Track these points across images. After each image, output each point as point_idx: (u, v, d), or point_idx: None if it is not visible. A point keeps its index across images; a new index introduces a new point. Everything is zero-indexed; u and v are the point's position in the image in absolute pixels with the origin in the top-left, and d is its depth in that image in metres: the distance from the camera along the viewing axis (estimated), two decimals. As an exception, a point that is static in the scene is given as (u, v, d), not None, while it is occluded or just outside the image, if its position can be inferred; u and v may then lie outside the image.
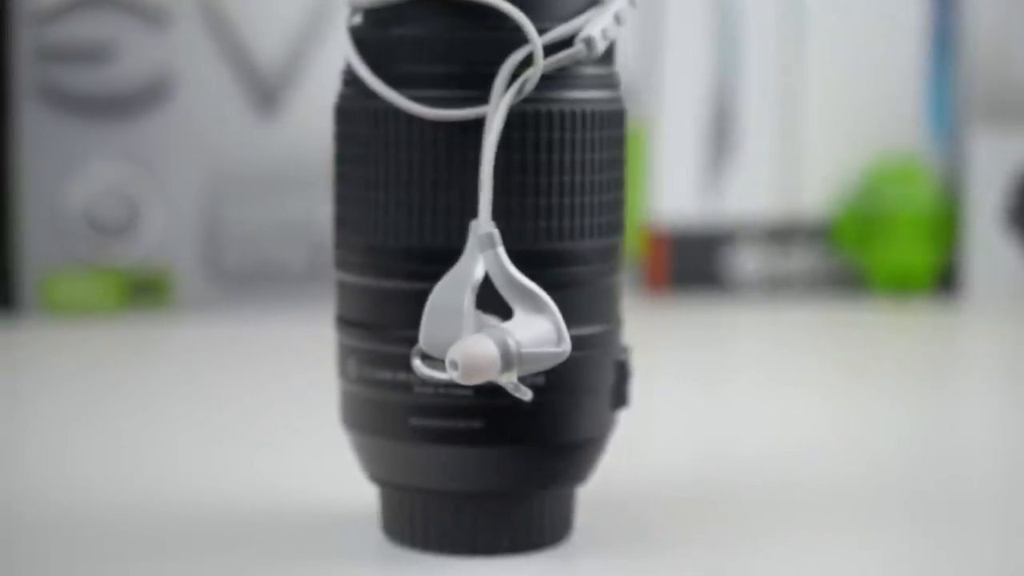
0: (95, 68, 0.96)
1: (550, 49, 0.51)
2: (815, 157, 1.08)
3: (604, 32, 0.52)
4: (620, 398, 0.55)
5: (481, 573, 0.53)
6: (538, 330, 0.49)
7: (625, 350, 0.56)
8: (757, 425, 0.76)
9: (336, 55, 0.99)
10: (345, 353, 0.54)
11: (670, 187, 1.06)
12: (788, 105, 1.07)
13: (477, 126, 0.51)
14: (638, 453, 0.68)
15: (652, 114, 1.05)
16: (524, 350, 0.48)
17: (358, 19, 0.54)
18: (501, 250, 0.49)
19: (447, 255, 0.51)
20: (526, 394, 0.49)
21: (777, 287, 1.08)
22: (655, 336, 0.99)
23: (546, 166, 0.52)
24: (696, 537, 0.58)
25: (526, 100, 0.51)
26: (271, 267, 1.00)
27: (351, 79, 0.53)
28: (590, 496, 0.57)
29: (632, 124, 1.03)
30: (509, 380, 0.49)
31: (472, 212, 0.51)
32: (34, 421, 0.76)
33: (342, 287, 0.54)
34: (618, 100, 0.54)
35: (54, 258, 0.96)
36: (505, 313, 0.50)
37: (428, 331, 0.50)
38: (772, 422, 0.77)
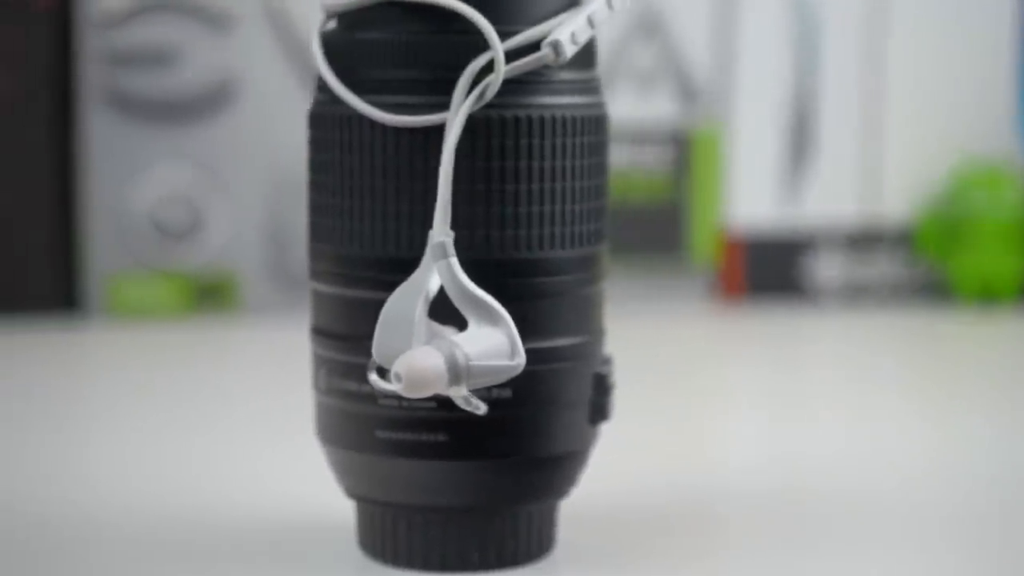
0: (160, 72, 0.96)
1: (517, 53, 0.50)
2: (898, 161, 1.05)
3: (573, 36, 0.50)
4: (599, 412, 0.53)
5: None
6: (490, 343, 0.48)
7: (607, 362, 0.54)
8: (833, 437, 0.74)
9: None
10: (317, 364, 0.53)
11: (746, 192, 1.04)
12: (870, 107, 1.04)
13: (441, 133, 0.50)
14: (710, 463, 0.67)
15: (727, 118, 1.03)
16: (473, 363, 0.47)
17: (331, 24, 0.53)
18: (454, 260, 0.48)
19: (412, 265, 0.50)
20: (479, 408, 0.48)
21: (857, 295, 1.05)
22: (728, 344, 0.97)
23: (515, 173, 0.50)
24: (754, 546, 0.57)
25: (495, 106, 0.50)
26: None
27: (323, 84, 0.53)
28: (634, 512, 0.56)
29: (707, 128, 1.02)
30: (458, 394, 0.47)
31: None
32: (99, 423, 0.76)
33: (315, 296, 0.54)
34: (597, 105, 0.53)
35: (120, 262, 0.96)
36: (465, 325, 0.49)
37: (380, 342, 0.49)
38: (848, 434, 0.74)
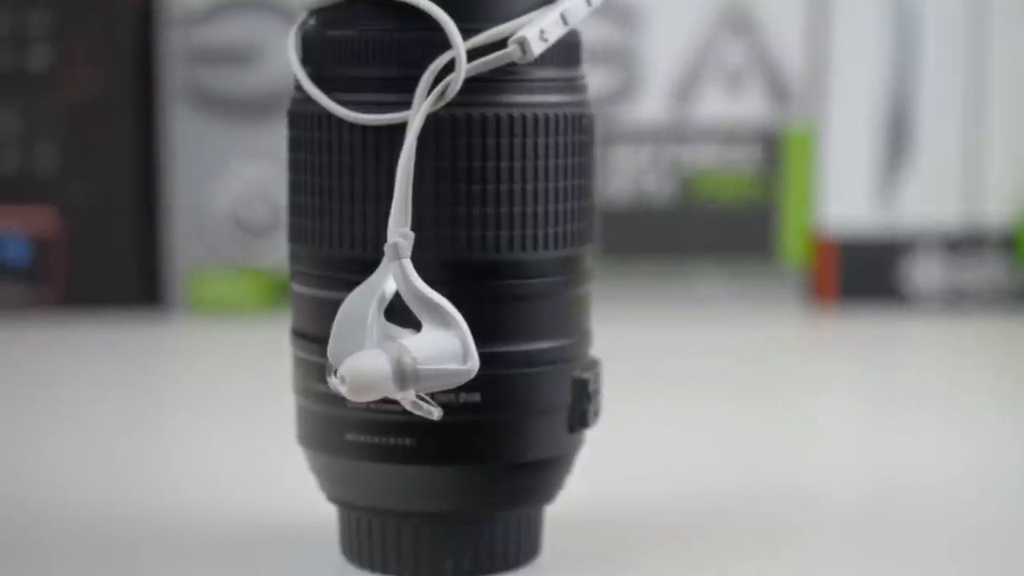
0: (241, 70, 0.97)
1: (486, 51, 0.49)
2: (1000, 161, 1.01)
3: (543, 33, 0.49)
4: (580, 418, 0.52)
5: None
6: (441, 346, 0.47)
7: (591, 367, 0.52)
8: (925, 447, 0.72)
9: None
10: (294, 366, 0.53)
11: (841, 194, 1.01)
12: (971, 106, 1.01)
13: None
14: (797, 470, 0.66)
15: (820, 116, 1.00)
16: (421, 367, 0.46)
17: (311, 21, 0.52)
18: (407, 262, 0.47)
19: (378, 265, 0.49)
20: (431, 413, 0.47)
21: (957, 300, 1.02)
22: (821, 350, 0.95)
23: (483, 173, 0.49)
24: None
25: (468, 104, 0.49)
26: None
27: (298, 82, 0.52)
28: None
29: (799, 127, 0.99)
30: (407, 398, 0.46)
31: (412, 221, 0.49)
32: (178, 418, 0.77)
33: (293, 298, 0.53)
34: (579, 104, 0.51)
35: (200, 258, 0.97)
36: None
37: (334, 344, 0.48)
38: (941, 445, 0.72)
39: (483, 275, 0.49)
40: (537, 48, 0.49)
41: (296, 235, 0.52)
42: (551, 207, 0.50)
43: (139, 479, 0.65)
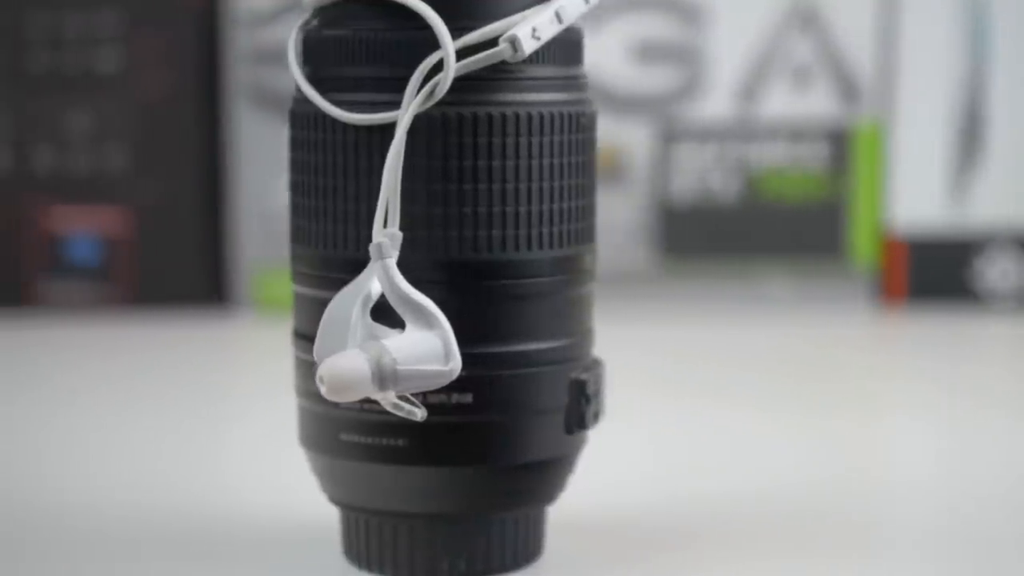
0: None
1: (478, 49, 0.49)
2: (1075, 159, 0.99)
3: (535, 31, 0.49)
4: (578, 420, 0.52)
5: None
6: (423, 347, 0.47)
7: (591, 368, 0.52)
8: (1000, 449, 0.71)
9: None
10: (295, 366, 0.53)
11: (911, 192, 1.00)
12: (1045, 103, 0.99)
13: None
14: (864, 472, 0.66)
15: (890, 113, 0.99)
16: (401, 367, 0.46)
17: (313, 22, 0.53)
18: (390, 262, 0.47)
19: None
20: (414, 414, 0.47)
21: (1031, 300, 1.00)
22: (890, 350, 0.94)
23: (474, 172, 0.49)
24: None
25: (464, 103, 0.49)
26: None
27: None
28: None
29: (868, 124, 0.98)
30: (387, 399, 0.47)
31: (404, 220, 0.49)
32: (242, 415, 0.78)
33: (294, 298, 0.53)
34: (578, 103, 0.51)
35: (266, 256, 0.98)
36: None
37: (319, 344, 0.48)
38: (1018, 446, 0.71)
39: (475, 275, 0.49)
40: (529, 46, 0.49)
41: (296, 235, 0.52)
42: (545, 206, 0.50)
43: (198, 476, 0.66)
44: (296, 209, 0.52)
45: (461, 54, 0.48)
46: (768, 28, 0.98)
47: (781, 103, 0.99)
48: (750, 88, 0.99)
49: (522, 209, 0.50)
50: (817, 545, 0.57)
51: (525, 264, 0.50)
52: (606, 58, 0.98)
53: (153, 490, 0.63)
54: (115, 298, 0.98)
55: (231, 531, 0.58)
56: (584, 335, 0.52)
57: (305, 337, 0.52)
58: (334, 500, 0.53)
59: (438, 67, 0.48)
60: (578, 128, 0.51)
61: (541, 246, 0.50)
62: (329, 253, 0.50)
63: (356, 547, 0.53)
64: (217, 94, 0.97)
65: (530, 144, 0.50)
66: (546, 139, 0.50)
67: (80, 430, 0.73)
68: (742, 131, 0.99)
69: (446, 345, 0.47)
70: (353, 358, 0.46)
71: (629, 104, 0.99)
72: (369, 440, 0.50)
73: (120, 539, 0.57)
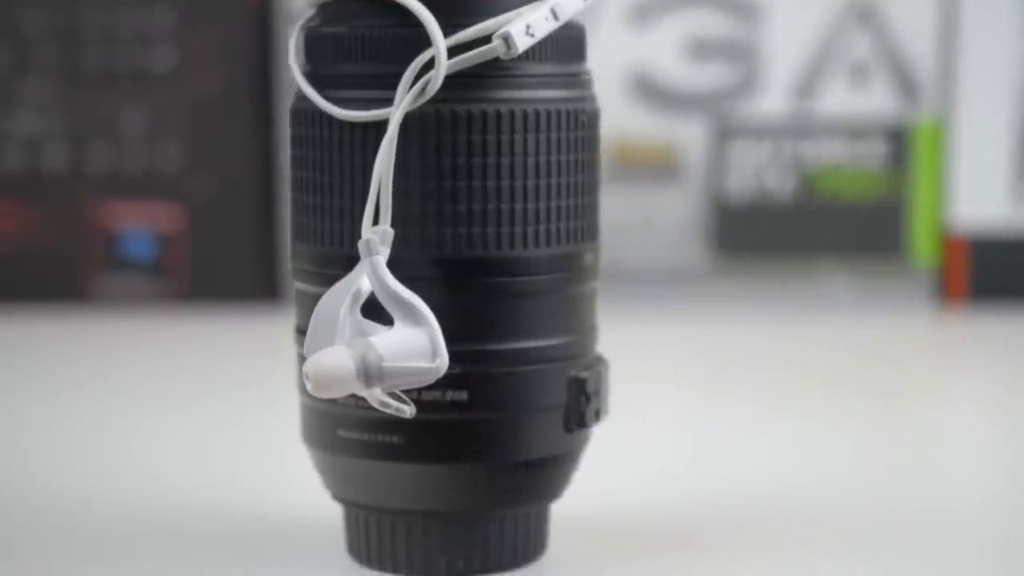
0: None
1: (470, 47, 0.48)
2: None
3: (529, 28, 0.48)
4: (577, 418, 0.51)
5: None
6: (410, 344, 0.46)
7: (591, 366, 0.52)
8: None
9: (597, 51, 0.97)
10: (296, 363, 0.53)
11: (972, 190, 0.98)
12: (1110, 99, 0.97)
13: (399, 128, 0.48)
14: (920, 472, 0.65)
15: (950, 109, 0.97)
16: (387, 364, 0.46)
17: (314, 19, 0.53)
18: (378, 258, 0.47)
19: None
20: (402, 411, 0.47)
21: (1095, 300, 0.98)
22: (950, 350, 0.93)
23: (469, 169, 0.49)
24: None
25: (461, 100, 0.48)
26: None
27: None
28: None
29: (928, 121, 0.97)
30: (372, 395, 0.46)
31: (396, 217, 0.49)
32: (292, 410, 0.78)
33: (295, 295, 0.53)
34: (578, 100, 0.51)
35: (319, 253, 0.98)
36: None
37: (309, 340, 0.48)
38: None
39: (470, 273, 0.49)
40: (522, 43, 0.48)
41: (296, 232, 0.52)
42: (541, 204, 0.50)
43: (253, 471, 0.66)
44: (296, 206, 0.52)
45: (455, 51, 0.48)
46: (825, 24, 0.97)
47: (838, 100, 0.97)
48: (806, 85, 0.98)
49: (517, 206, 0.49)
50: (863, 546, 0.56)
51: (520, 262, 0.49)
52: (660, 55, 0.98)
53: (205, 485, 0.63)
54: (169, 293, 0.98)
55: (270, 525, 0.58)
56: (585, 333, 0.52)
57: (300, 332, 0.52)
58: (335, 496, 0.53)
59: (431, 64, 0.48)
60: (576, 125, 0.50)
61: (537, 244, 0.50)
62: (327, 250, 0.50)
63: (357, 544, 0.52)
64: (270, 91, 0.98)
65: (525, 141, 0.49)
66: (542, 136, 0.49)
67: (133, 423, 0.74)
68: (798, 128, 0.98)
69: (433, 342, 0.46)
70: (338, 355, 0.46)
71: (684, 101, 0.98)
72: (365, 436, 0.50)
73: (155, 533, 0.57)
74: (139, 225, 0.98)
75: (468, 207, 0.49)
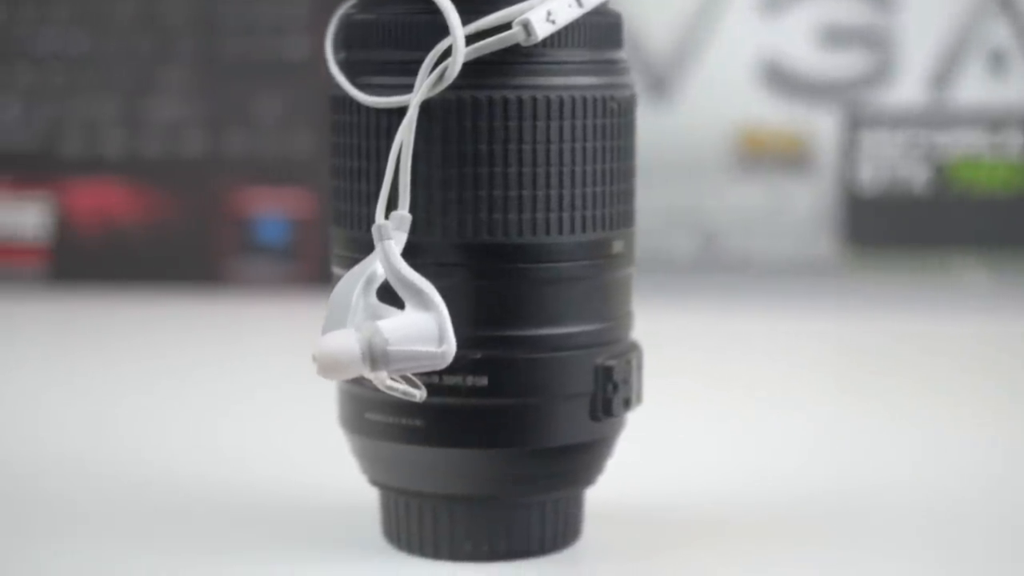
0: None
1: (492, 34, 0.49)
2: None
3: (549, 15, 0.48)
4: (604, 406, 0.51)
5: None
6: (417, 328, 0.47)
7: (621, 355, 0.51)
8: None
9: (728, 40, 0.96)
10: None
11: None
12: None
13: (427, 114, 0.49)
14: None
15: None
16: (392, 348, 0.46)
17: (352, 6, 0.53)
18: (390, 243, 0.48)
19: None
20: (412, 395, 0.47)
21: None
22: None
23: (490, 156, 0.49)
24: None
25: (479, 87, 0.49)
26: (661, 254, 0.98)
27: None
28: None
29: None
30: (379, 378, 0.47)
31: (422, 203, 0.49)
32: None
33: (333, 279, 0.54)
34: (608, 87, 0.51)
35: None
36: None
37: (325, 323, 0.49)
38: None
39: (491, 258, 0.49)
40: (542, 30, 0.48)
41: (334, 218, 0.53)
42: (566, 191, 0.50)
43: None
44: (333, 191, 0.52)
45: (477, 38, 0.48)
46: (962, 11, 0.95)
47: (976, 89, 0.95)
48: (942, 73, 0.96)
49: (539, 193, 0.49)
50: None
51: (543, 248, 0.49)
52: (792, 44, 0.96)
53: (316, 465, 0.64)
54: (301, 277, 1.00)
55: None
56: (615, 321, 0.52)
57: None
58: (369, 479, 0.53)
59: (451, 51, 0.48)
60: (605, 113, 0.50)
61: (561, 231, 0.50)
62: (354, 234, 0.51)
63: (388, 526, 0.53)
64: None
65: (548, 128, 0.49)
66: (566, 123, 0.49)
67: (263, 403, 0.75)
68: (933, 118, 0.96)
69: (440, 327, 0.47)
70: (345, 337, 0.46)
71: (815, 90, 0.97)
72: (390, 419, 0.51)
73: (230, 512, 0.58)
74: (273, 210, 1.00)
75: (489, 193, 0.49)
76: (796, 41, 0.96)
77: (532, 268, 0.50)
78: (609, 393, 0.51)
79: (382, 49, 0.50)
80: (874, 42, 0.96)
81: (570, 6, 0.49)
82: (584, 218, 0.50)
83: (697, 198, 0.97)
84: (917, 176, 0.96)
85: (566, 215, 0.50)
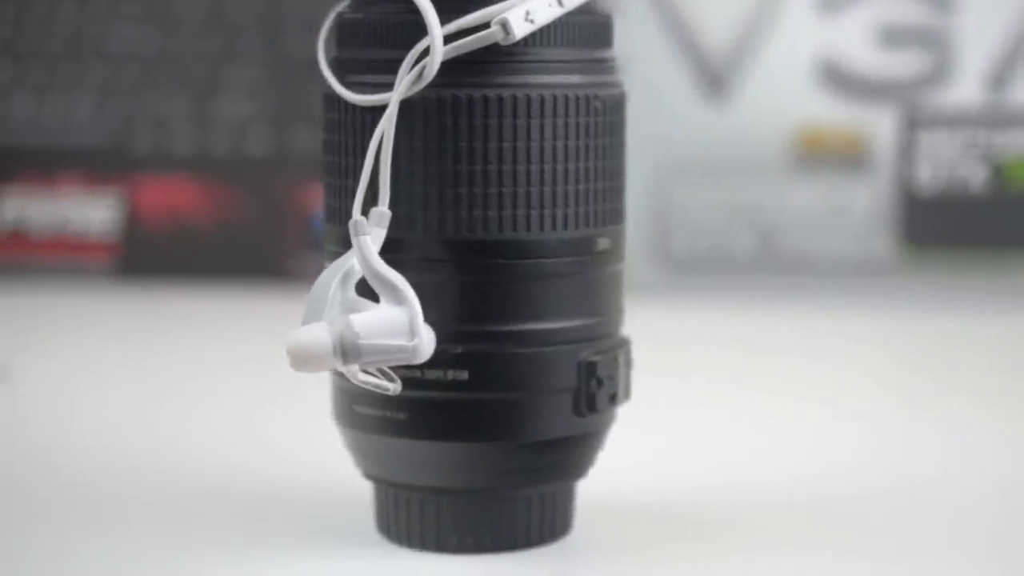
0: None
1: (471, 32, 0.49)
2: None
3: (527, 15, 0.49)
4: (587, 401, 0.52)
5: (433, 569, 0.52)
6: (389, 322, 0.48)
7: (606, 351, 0.52)
8: None
9: (786, 39, 0.96)
10: None
11: None
12: None
13: (407, 112, 0.50)
14: None
15: None
16: (362, 341, 0.47)
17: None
18: (366, 239, 0.49)
19: (388, 243, 0.50)
20: (387, 388, 0.48)
21: None
22: None
23: (470, 154, 0.50)
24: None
25: (459, 85, 0.50)
26: (719, 253, 0.98)
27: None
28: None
29: None
30: (352, 372, 0.48)
31: (404, 200, 0.50)
32: None
33: None
34: (592, 86, 0.51)
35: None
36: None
37: (305, 316, 0.50)
38: None
39: (472, 255, 0.50)
40: (520, 29, 0.49)
41: (325, 214, 0.54)
42: (547, 188, 0.50)
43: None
44: (326, 188, 0.54)
45: (457, 37, 0.49)
46: (1020, 11, 0.94)
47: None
48: (1000, 73, 0.95)
49: (520, 190, 0.50)
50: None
51: (524, 245, 0.50)
52: (850, 43, 0.96)
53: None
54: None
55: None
56: (602, 317, 0.52)
57: None
58: (363, 472, 0.54)
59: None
60: (588, 111, 0.51)
61: (542, 228, 0.50)
62: (340, 230, 0.52)
63: (380, 519, 0.54)
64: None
65: (528, 126, 0.50)
66: (547, 121, 0.50)
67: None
68: (991, 118, 0.95)
69: (412, 321, 0.48)
70: (316, 331, 0.48)
71: (873, 90, 0.96)
72: (376, 412, 0.52)
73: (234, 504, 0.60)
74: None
75: (469, 190, 0.50)
76: (854, 41, 0.96)
77: (514, 264, 0.50)
78: (593, 388, 0.52)
79: (369, 48, 0.51)
80: (932, 42, 0.95)
81: (550, 6, 0.50)
82: (566, 215, 0.51)
83: (755, 197, 0.97)
84: (975, 176, 0.96)
85: (547, 212, 0.50)
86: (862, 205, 0.97)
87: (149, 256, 1.04)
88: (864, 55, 0.96)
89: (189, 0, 1.02)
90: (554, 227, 0.51)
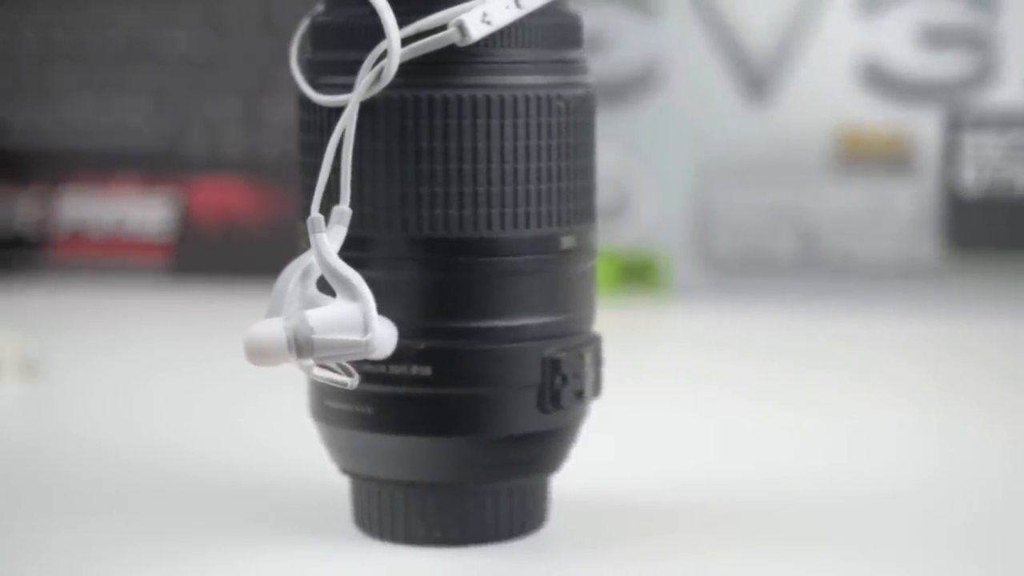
0: (592, 57, 0.99)
1: (429, 35, 0.50)
2: None
3: (484, 16, 0.50)
4: (552, 398, 0.52)
5: (403, 561, 0.53)
6: (343, 317, 0.49)
7: (572, 348, 0.53)
8: None
9: (827, 39, 0.96)
10: None
11: None
12: None
13: (373, 112, 0.51)
14: None
15: None
16: (316, 336, 0.48)
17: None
18: (321, 236, 0.50)
19: (354, 242, 0.51)
20: (344, 383, 0.49)
21: None
22: None
23: (431, 153, 0.51)
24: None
25: (419, 87, 0.50)
26: (760, 255, 0.98)
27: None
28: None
29: None
30: (307, 367, 0.49)
31: (369, 199, 0.51)
32: None
33: None
34: (556, 86, 0.52)
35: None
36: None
37: (267, 312, 0.51)
38: None
39: (435, 253, 0.51)
40: (477, 31, 0.50)
41: (299, 213, 0.55)
42: (508, 188, 0.51)
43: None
44: (300, 187, 0.55)
45: (416, 38, 0.50)
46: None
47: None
48: (1046, 73, 0.94)
49: (480, 189, 0.51)
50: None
51: (487, 243, 0.51)
52: (892, 44, 0.96)
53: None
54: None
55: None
56: (567, 315, 0.53)
57: None
58: (339, 466, 0.55)
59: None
60: (550, 111, 0.51)
61: (503, 226, 0.51)
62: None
63: (356, 512, 0.55)
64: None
65: (488, 126, 0.51)
66: (507, 121, 0.51)
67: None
68: (1036, 119, 0.94)
69: (366, 317, 0.49)
70: (271, 326, 0.49)
71: (916, 91, 0.96)
72: (345, 407, 0.53)
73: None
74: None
75: (430, 190, 0.51)
76: (896, 41, 0.95)
77: (477, 262, 0.51)
78: (558, 385, 0.52)
79: (337, 50, 0.52)
80: (975, 43, 0.95)
81: (508, 8, 0.50)
82: (528, 214, 0.51)
83: (797, 198, 0.97)
84: (1020, 178, 0.95)
85: (508, 211, 0.51)
86: (905, 207, 0.96)
87: (201, 256, 1.05)
88: (906, 55, 0.95)
89: (241, 5, 1.04)
90: (515, 226, 0.51)
